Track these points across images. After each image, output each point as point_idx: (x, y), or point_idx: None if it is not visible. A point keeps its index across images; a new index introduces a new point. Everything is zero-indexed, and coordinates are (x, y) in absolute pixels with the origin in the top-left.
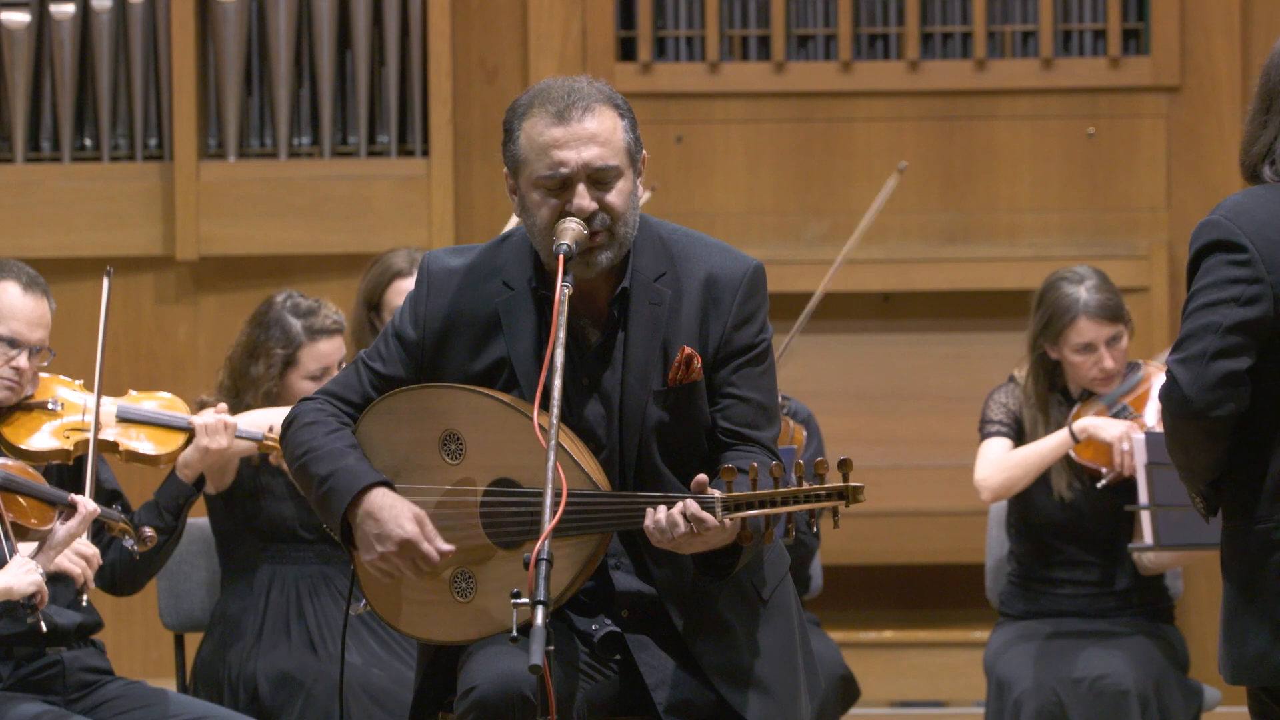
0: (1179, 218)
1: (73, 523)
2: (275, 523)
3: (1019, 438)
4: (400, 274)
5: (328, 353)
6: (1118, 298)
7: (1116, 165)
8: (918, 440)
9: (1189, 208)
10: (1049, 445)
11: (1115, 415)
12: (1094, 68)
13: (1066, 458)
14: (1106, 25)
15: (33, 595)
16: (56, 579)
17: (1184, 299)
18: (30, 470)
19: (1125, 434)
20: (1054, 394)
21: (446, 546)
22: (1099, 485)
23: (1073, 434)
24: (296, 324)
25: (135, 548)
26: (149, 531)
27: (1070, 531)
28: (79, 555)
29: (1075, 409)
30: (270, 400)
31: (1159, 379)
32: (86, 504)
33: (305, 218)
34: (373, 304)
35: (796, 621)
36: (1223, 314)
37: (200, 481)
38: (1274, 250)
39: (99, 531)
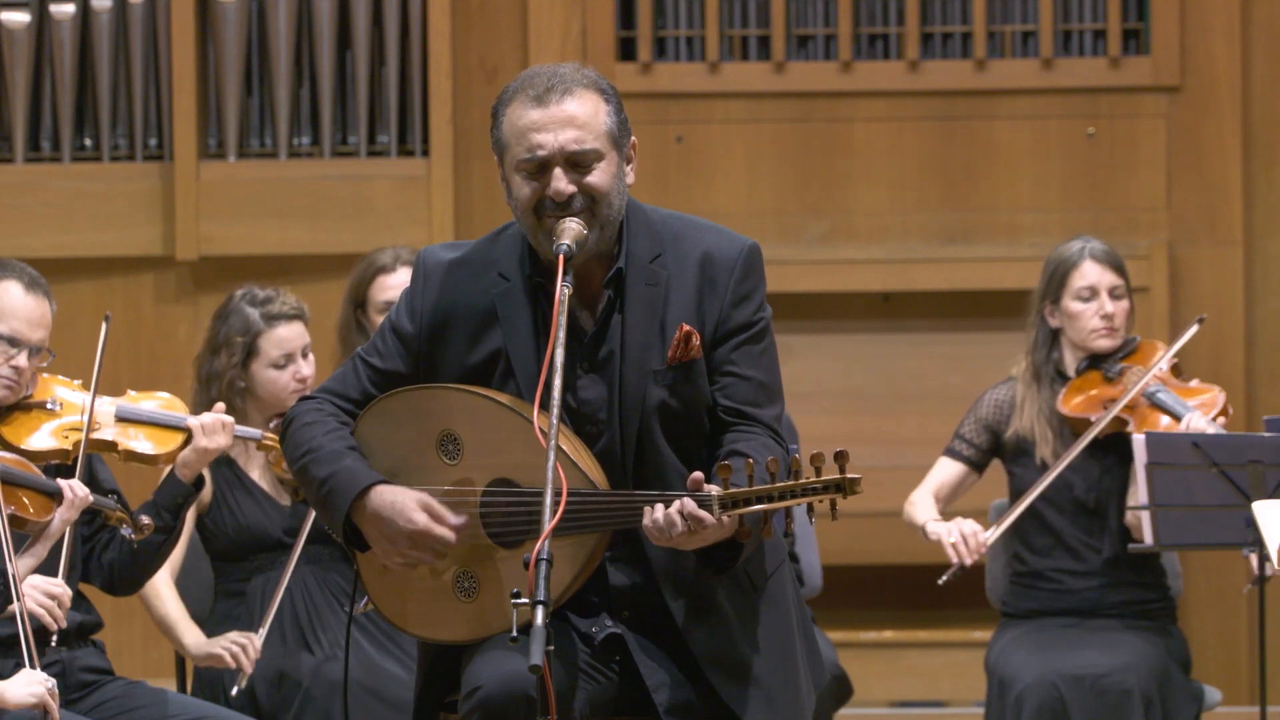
0: (1179, 218)
1: (64, 509)
2: (259, 536)
3: (984, 458)
4: (384, 269)
5: (288, 338)
6: (1120, 258)
7: (1116, 165)
8: (918, 440)
9: (1189, 208)
10: (917, 519)
11: (1111, 378)
12: (1094, 68)
13: (1058, 418)
14: (1106, 25)
15: (44, 714)
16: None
17: (1184, 298)
18: (26, 463)
19: (951, 528)
20: (1048, 371)
21: (458, 520)
22: (939, 582)
23: (924, 530)
24: (254, 312)
25: (133, 535)
26: (145, 519)
27: (1056, 498)
28: (48, 595)
29: (1069, 385)
30: (237, 394)
31: (1152, 345)
32: (77, 488)
33: (305, 218)
34: (358, 301)
35: (795, 610)
36: None
37: (199, 481)
38: None
39: (100, 528)
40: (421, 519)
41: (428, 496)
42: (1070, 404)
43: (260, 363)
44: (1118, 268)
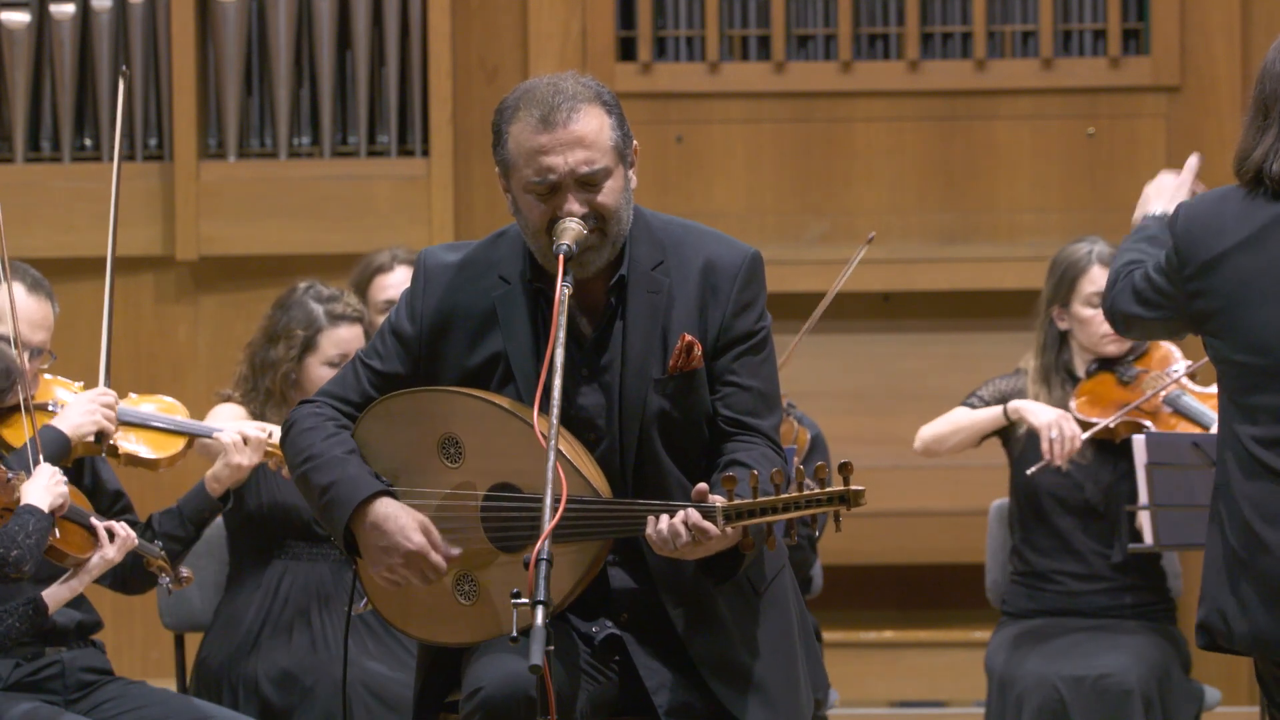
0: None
1: (110, 552)
2: (288, 519)
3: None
4: (381, 269)
5: (347, 339)
6: None
7: (1116, 165)
8: None
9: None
10: (984, 415)
11: (1126, 381)
12: (1094, 68)
13: (1076, 419)
14: (1106, 25)
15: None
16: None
17: None
18: (80, 495)
19: (1055, 422)
20: (1058, 372)
21: (454, 552)
22: (1027, 472)
23: (1005, 413)
24: (318, 308)
25: (170, 586)
26: (186, 572)
27: (1067, 500)
28: (105, 407)
29: (1080, 386)
30: (290, 385)
31: (1163, 345)
32: (124, 531)
33: (305, 218)
34: None
35: (795, 613)
36: None
37: (227, 496)
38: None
39: (135, 563)
40: (420, 539)
41: (429, 523)
42: (1087, 410)
43: (316, 359)
44: None
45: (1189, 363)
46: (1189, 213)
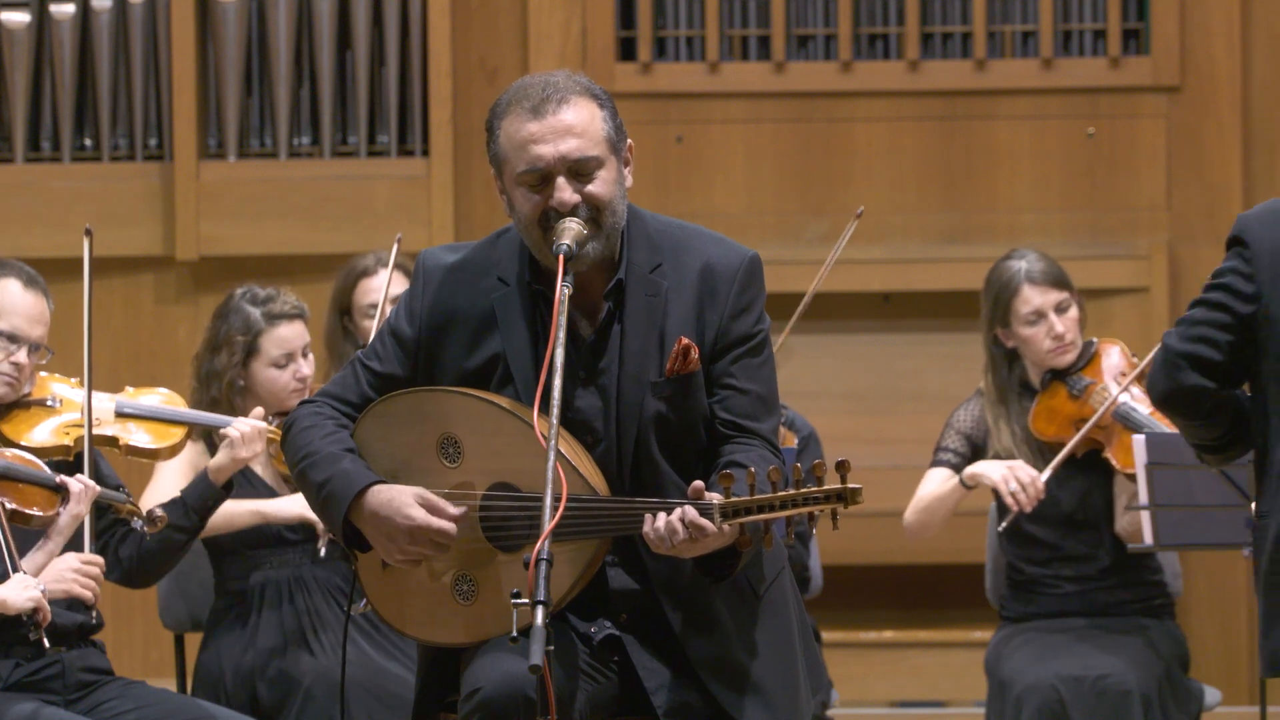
0: (1179, 218)
1: (73, 504)
2: (259, 530)
3: (971, 461)
4: (366, 273)
5: (288, 337)
6: (1059, 268)
7: (1116, 165)
8: (918, 440)
9: (1189, 208)
10: (945, 491)
11: (1076, 394)
12: (1094, 68)
13: (1035, 440)
14: (1106, 25)
15: (34, 612)
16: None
17: (1184, 298)
18: (30, 459)
19: (1008, 476)
20: (1013, 388)
21: (457, 511)
22: (999, 530)
23: (963, 482)
24: (255, 311)
25: (145, 529)
26: (158, 512)
27: (1046, 516)
28: (84, 575)
29: (1037, 401)
30: (236, 393)
31: (1109, 348)
32: (81, 483)
33: (305, 218)
34: (343, 308)
35: (795, 615)
36: None
37: (229, 485)
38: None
39: (114, 522)
40: (419, 514)
41: (424, 490)
42: (1043, 428)
43: (261, 362)
44: (1058, 282)
45: (1131, 372)
46: (1261, 214)
